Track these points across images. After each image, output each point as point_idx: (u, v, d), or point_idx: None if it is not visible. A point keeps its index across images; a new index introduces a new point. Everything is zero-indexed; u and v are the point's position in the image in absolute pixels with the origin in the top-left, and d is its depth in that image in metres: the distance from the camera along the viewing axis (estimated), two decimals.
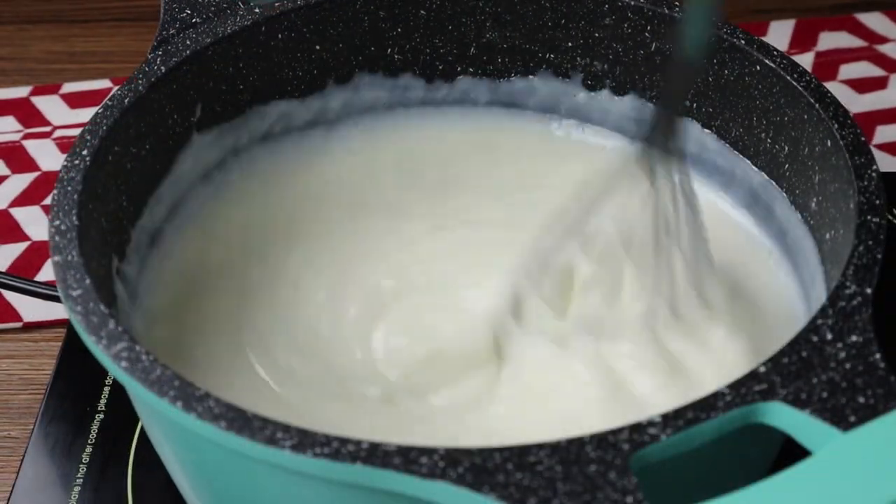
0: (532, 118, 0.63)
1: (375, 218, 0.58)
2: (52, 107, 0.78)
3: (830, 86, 0.75)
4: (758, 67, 0.55)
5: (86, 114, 0.77)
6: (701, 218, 0.50)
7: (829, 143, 0.51)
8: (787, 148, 0.55)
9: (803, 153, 0.53)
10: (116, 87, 0.55)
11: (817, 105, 0.52)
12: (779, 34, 0.81)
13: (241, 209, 0.58)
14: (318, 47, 0.60)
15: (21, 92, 0.79)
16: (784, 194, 0.55)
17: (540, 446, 0.40)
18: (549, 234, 0.51)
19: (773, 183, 0.56)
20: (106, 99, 0.53)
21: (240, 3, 0.58)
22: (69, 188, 0.49)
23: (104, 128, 0.52)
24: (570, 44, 0.61)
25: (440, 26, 0.61)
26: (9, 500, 0.55)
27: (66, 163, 0.50)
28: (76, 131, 0.75)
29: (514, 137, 0.62)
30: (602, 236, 0.51)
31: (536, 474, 0.39)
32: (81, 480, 0.56)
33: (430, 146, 0.62)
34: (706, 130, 0.59)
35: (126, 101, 0.53)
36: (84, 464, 0.57)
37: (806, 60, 0.79)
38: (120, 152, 0.53)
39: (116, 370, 0.43)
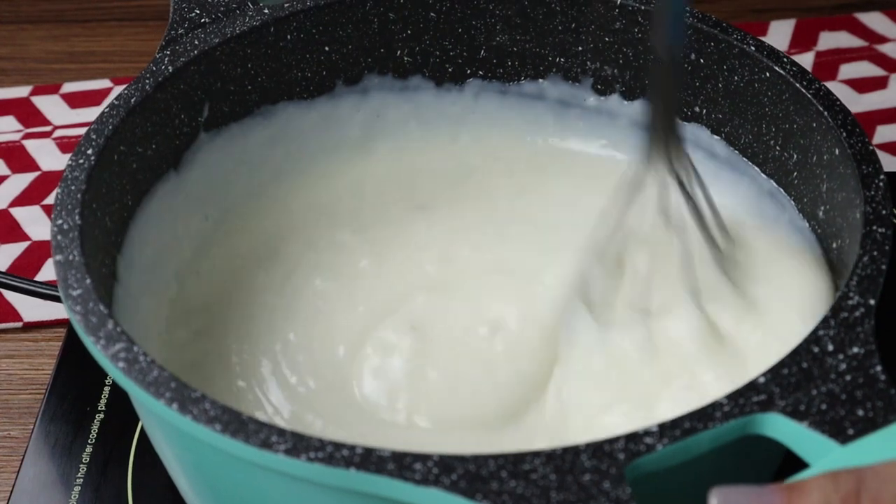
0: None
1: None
2: (52, 107, 0.78)
3: (830, 86, 0.75)
4: (767, 74, 0.55)
5: (86, 114, 0.77)
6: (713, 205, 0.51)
7: (836, 152, 0.51)
8: (795, 156, 0.54)
9: (811, 161, 0.53)
10: (123, 87, 0.55)
11: (826, 113, 0.51)
12: (779, 34, 0.80)
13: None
14: (327, 48, 0.60)
15: (21, 92, 0.79)
16: (792, 202, 0.55)
17: (535, 454, 0.39)
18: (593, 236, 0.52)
19: (782, 191, 0.56)
20: (112, 98, 0.53)
21: (249, 3, 0.58)
22: (73, 187, 0.49)
23: (110, 127, 0.52)
24: (579, 48, 0.60)
25: (450, 29, 0.61)
26: (9, 500, 0.55)
27: (70, 162, 0.50)
28: (76, 131, 0.75)
29: None
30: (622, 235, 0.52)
31: (530, 482, 0.39)
32: (81, 480, 0.56)
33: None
34: (715, 137, 0.58)
35: (132, 100, 0.53)
36: (84, 464, 0.57)
37: (806, 60, 0.78)
38: (125, 152, 0.53)
39: (114, 370, 0.43)
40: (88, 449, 0.57)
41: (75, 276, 0.46)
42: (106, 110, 0.53)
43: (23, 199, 0.72)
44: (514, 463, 0.39)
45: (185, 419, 0.41)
